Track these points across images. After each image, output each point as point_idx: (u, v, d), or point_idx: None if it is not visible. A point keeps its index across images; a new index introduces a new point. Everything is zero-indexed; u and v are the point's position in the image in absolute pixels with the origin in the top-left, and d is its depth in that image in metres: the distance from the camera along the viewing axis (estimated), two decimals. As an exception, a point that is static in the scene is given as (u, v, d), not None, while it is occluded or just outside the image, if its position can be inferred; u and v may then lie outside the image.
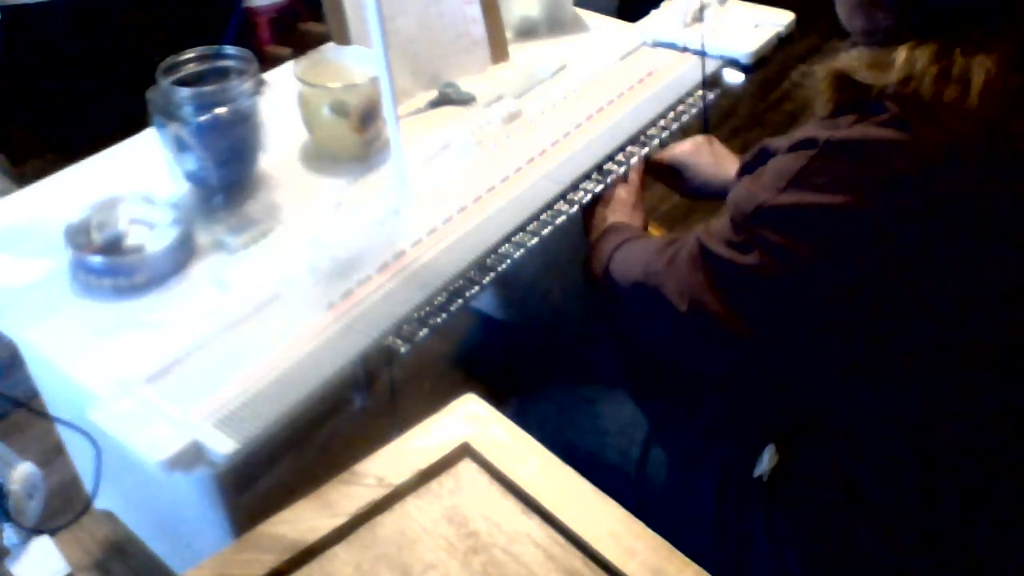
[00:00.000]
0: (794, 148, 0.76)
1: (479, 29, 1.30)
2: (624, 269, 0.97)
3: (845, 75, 0.75)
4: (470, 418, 0.73)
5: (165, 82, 0.99)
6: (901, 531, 0.84)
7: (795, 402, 0.91)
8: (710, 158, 1.18)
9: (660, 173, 1.21)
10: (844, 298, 0.75)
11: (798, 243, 0.75)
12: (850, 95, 0.75)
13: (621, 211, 1.10)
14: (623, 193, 1.12)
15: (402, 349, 0.87)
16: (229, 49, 1.04)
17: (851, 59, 0.75)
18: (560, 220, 1.03)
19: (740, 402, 1.00)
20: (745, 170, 0.86)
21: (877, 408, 0.82)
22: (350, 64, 1.14)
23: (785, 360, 0.85)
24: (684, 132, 1.24)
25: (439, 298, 0.91)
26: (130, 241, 0.95)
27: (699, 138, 1.21)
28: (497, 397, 0.82)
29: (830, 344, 0.80)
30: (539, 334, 1.54)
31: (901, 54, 0.71)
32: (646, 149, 1.16)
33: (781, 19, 1.39)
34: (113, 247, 0.94)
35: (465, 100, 1.24)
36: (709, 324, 0.82)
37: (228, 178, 1.05)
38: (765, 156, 0.82)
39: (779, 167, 0.77)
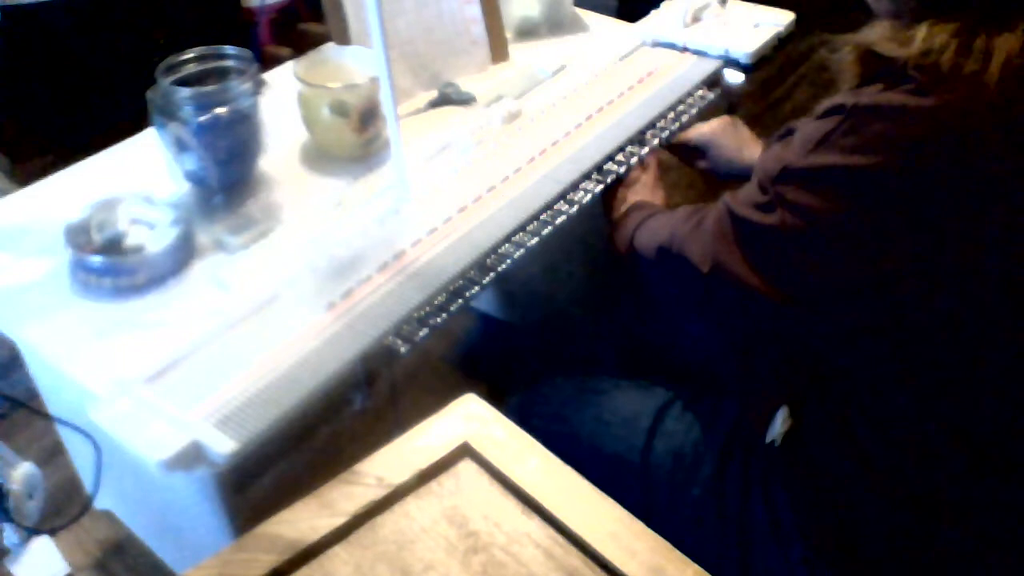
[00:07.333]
0: (822, 116, 0.78)
1: (479, 29, 1.30)
2: (649, 238, 0.99)
3: (870, 49, 0.76)
4: (470, 418, 0.73)
5: (165, 82, 0.99)
6: (905, 500, 0.84)
7: (810, 364, 0.91)
8: (734, 139, 1.20)
9: (684, 152, 1.22)
10: (865, 258, 0.76)
11: (822, 202, 0.76)
12: (875, 68, 0.76)
13: (643, 192, 1.12)
14: (643, 176, 1.14)
15: (402, 349, 0.87)
16: (229, 49, 1.04)
17: (875, 32, 0.77)
18: (560, 220, 1.03)
19: (754, 364, 1.00)
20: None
21: (892, 372, 0.82)
22: (350, 64, 1.14)
23: (804, 320, 0.85)
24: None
25: (439, 298, 0.91)
26: (130, 241, 0.95)
27: (724, 118, 1.22)
28: (497, 397, 0.83)
29: (849, 304, 0.80)
30: (539, 334, 1.54)
31: (922, 29, 0.72)
32: (646, 149, 1.16)
33: (781, 19, 1.39)
34: (113, 247, 0.94)
35: (465, 100, 1.24)
36: (731, 284, 0.84)
37: (228, 178, 1.05)
38: (791, 134, 0.83)
39: (807, 132, 0.78)
